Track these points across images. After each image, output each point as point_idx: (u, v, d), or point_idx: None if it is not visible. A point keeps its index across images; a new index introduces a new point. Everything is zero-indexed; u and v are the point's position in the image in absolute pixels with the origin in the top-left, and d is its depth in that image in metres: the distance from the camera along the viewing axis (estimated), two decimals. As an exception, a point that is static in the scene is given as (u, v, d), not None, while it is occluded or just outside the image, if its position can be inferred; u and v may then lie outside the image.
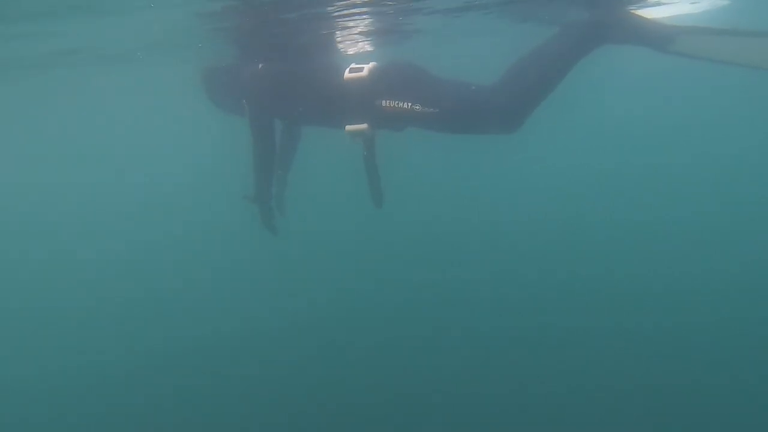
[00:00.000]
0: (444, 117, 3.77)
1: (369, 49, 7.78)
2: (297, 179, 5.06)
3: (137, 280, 10.66)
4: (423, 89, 3.82)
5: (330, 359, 6.82)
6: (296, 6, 4.80)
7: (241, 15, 4.91)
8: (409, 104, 3.77)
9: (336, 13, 5.36)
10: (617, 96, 23.02)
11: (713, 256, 8.93)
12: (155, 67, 8.12)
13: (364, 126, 3.92)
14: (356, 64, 3.98)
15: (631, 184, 14.63)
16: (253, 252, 8.97)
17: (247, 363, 6.86)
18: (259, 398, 6.20)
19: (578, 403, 5.62)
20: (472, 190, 15.71)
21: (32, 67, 7.11)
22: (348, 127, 3.95)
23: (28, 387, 7.07)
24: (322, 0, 4.83)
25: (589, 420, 5.42)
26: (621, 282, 8.14)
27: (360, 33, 6.60)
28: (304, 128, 4.95)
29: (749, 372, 5.83)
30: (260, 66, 4.25)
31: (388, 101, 3.83)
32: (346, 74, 3.94)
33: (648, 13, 5.29)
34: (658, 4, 6.06)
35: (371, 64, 3.96)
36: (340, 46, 7.21)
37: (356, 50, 7.73)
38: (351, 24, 6.00)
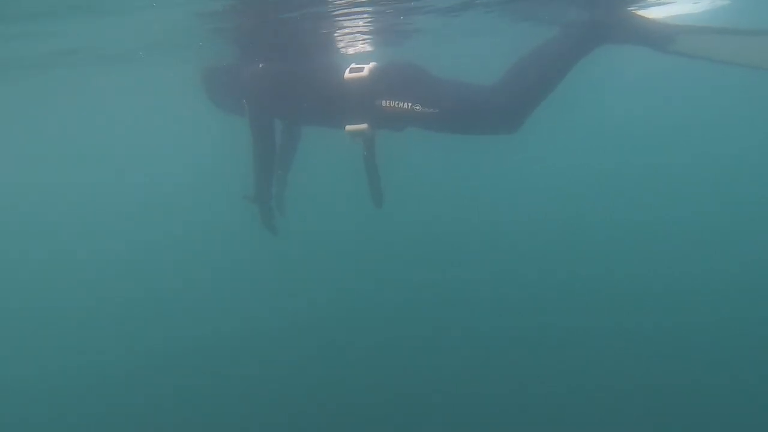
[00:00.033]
0: (444, 117, 3.77)
1: (369, 49, 7.78)
2: (297, 179, 5.06)
3: (137, 280, 10.66)
4: (423, 89, 3.82)
5: (330, 359, 6.82)
6: (296, 6, 4.80)
7: (241, 15, 4.91)
8: (409, 104, 3.77)
9: (336, 12, 5.36)
10: (617, 96, 23.02)
11: (713, 256, 8.93)
12: (155, 67, 8.12)
13: (364, 126, 3.92)
14: (356, 64, 3.98)
15: (631, 184, 14.63)
16: (253, 252, 8.96)
17: (247, 363, 6.86)
18: (259, 398, 6.20)
19: (578, 403, 5.62)
20: (472, 190, 15.71)
21: (32, 67, 7.12)
22: (348, 127, 3.95)
23: (28, 387, 7.07)
24: None
25: (589, 420, 5.42)
26: (621, 282, 8.14)
27: (360, 33, 6.60)
28: (304, 128, 4.95)
29: (749, 372, 5.83)
30: (260, 66, 4.25)
31: (388, 101, 3.83)
32: (347, 74, 3.94)
33: (648, 12, 5.29)
34: (659, 3, 6.06)
35: (371, 64, 3.96)
36: (340, 46, 7.21)
37: (356, 50, 7.73)
38: (351, 24, 6.00)
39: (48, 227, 17.71)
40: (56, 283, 11.05)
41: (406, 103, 3.78)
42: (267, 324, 7.90)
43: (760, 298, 7.26)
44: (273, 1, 4.56)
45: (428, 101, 3.75)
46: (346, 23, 5.94)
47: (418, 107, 3.76)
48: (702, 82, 18.89)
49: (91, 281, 10.99)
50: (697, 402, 5.44)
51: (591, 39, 3.76)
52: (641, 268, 8.54)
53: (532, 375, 6.13)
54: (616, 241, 10.17)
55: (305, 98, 4.16)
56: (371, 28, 6.46)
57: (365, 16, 5.75)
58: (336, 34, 6.48)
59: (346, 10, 5.31)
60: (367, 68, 3.91)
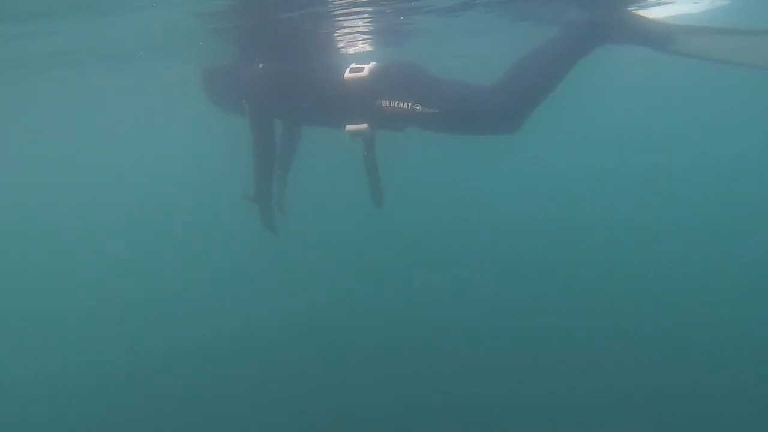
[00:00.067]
0: (444, 117, 3.77)
1: (369, 49, 7.78)
2: (297, 179, 5.06)
3: (137, 280, 10.66)
4: (423, 89, 3.82)
5: (330, 359, 6.82)
6: (296, 6, 4.80)
7: (241, 15, 4.91)
8: (410, 104, 3.77)
9: (336, 12, 5.36)
10: (617, 96, 23.02)
11: (713, 256, 8.94)
12: (155, 67, 8.12)
13: (364, 126, 3.92)
14: (356, 64, 3.98)
15: (631, 184, 14.63)
16: (253, 252, 8.96)
17: (247, 363, 6.86)
18: (259, 398, 6.20)
19: (578, 403, 5.62)
20: (472, 190, 15.71)
21: (32, 67, 7.12)
22: (348, 127, 3.95)
23: (28, 387, 7.07)
24: (322, -1, 4.84)
25: (589, 420, 5.42)
26: (621, 282, 8.14)
27: (360, 33, 6.60)
28: (304, 128, 4.95)
29: (749, 372, 5.83)
30: (260, 66, 4.25)
31: (388, 101, 3.83)
32: (347, 74, 3.94)
33: (648, 12, 5.29)
34: (659, 3, 6.06)
35: (372, 64, 3.96)
36: (340, 46, 7.21)
37: (356, 50, 7.73)
38: (351, 24, 6.00)
39: (48, 227, 17.71)
40: (56, 283, 11.05)
41: (406, 103, 3.78)
42: (267, 324, 7.90)
43: (760, 298, 7.26)
44: (273, 1, 4.56)
45: (428, 101, 3.75)
46: (346, 23, 5.94)
47: (418, 107, 3.76)
48: (702, 82, 18.90)
49: (91, 281, 10.99)
50: (697, 402, 5.44)
51: (591, 39, 3.76)
52: (641, 268, 8.54)
53: (532, 375, 6.13)
54: (616, 241, 10.18)
55: (305, 98, 4.16)
56: (371, 28, 6.46)
57: (365, 16, 5.75)
58: (336, 34, 6.48)
59: (346, 10, 5.31)
60: (367, 68, 3.91)
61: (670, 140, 19.14)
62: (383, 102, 3.84)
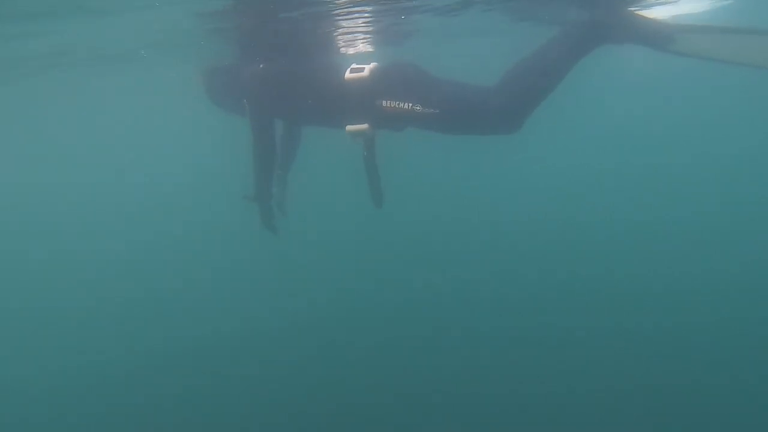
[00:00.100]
0: (444, 117, 3.78)
1: (369, 49, 7.78)
2: (297, 179, 5.06)
3: (137, 280, 10.66)
4: (424, 90, 3.83)
5: (330, 359, 6.82)
6: (296, 6, 4.80)
7: (241, 15, 4.91)
8: (410, 105, 3.78)
9: (336, 12, 5.36)
10: (617, 96, 23.01)
11: (713, 256, 8.94)
12: (155, 67, 8.12)
13: (364, 126, 3.93)
14: (357, 64, 3.98)
15: (631, 184, 14.64)
16: (253, 252, 8.96)
17: (247, 363, 6.86)
18: (259, 398, 6.20)
19: (578, 403, 5.62)
20: (472, 190, 15.71)
21: (32, 67, 7.11)
22: (348, 127, 3.95)
23: (28, 387, 7.07)
24: (322, -1, 4.83)
25: (589, 420, 5.42)
26: (621, 282, 8.14)
27: (360, 33, 6.60)
28: (304, 128, 4.95)
29: (749, 372, 5.83)
30: (260, 66, 4.25)
31: (388, 101, 3.83)
32: (347, 74, 3.94)
33: (648, 12, 5.29)
34: (659, 3, 6.05)
35: (372, 65, 3.96)
36: (340, 46, 7.20)
37: (356, 50, 7.72)
38: (351, 24, 6.00)
39: (48, 227, 17.71)
40: (56, 283, 11.05)
41: (406, 104, 3.79)
42: (267, 324, 7.90)
43: (760, 298, 7.27)
44: (273, 1, 4.56)
45: (429, 102, 3.75)
46: (346, 23, 5.94)
47: (418, 107, 3.76)
48: (702, 82, 18.89)
49: (91, 281, 10.99)
50: (697, 402, 5.44)
51: (591, 39, 3.76)
52: (641, 268, 8.54)
53: (532, 375, 6.13)
54: (616, 241, 10.18)
55: (306, 98, 4.16)
56: (371, 28, 6.46)
57: (365, 16, 5.74)
58: (336, 34, 6.48)
59: (346, 10, 5.31)
60: (367, 68, 3.91)
61: (670, 140, 19.14)
62: (384, 102, 3.84)
